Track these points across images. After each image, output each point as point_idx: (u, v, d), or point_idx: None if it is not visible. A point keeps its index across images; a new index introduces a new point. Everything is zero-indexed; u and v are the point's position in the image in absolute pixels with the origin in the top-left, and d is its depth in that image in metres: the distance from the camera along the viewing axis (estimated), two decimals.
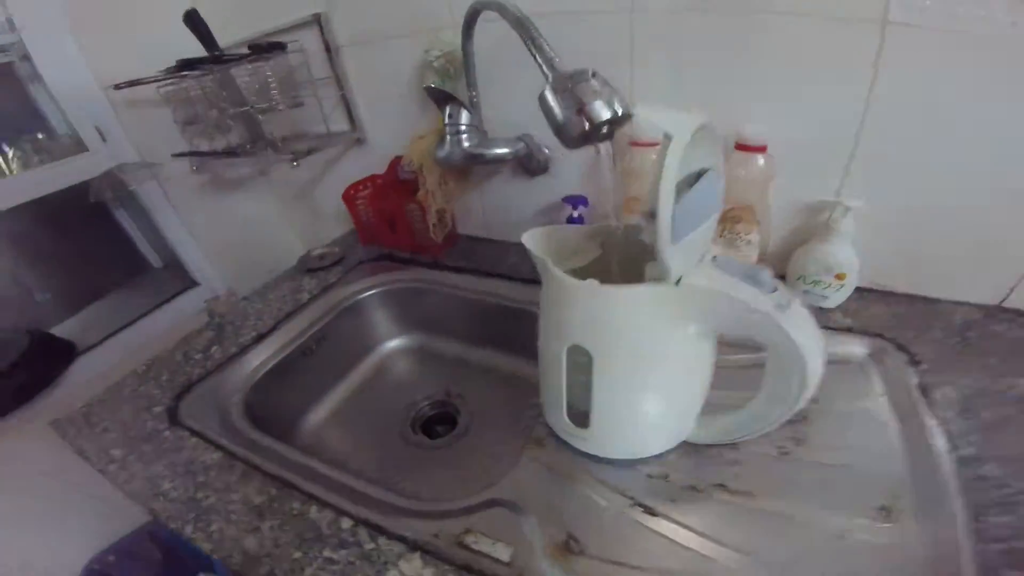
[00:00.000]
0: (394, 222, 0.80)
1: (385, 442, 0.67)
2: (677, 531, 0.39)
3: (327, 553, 0.40)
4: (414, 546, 0.40)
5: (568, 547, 0.39)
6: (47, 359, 0.82)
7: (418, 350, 0.81)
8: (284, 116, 0.85)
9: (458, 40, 0.59)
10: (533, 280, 0.70)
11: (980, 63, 0.43)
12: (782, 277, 0.59)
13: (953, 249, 0.52)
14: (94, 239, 1.00)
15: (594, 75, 0.41)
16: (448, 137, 0.63)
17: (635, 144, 0.59)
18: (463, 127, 0.63)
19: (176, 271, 1.03)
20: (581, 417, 0.44)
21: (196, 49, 0.76)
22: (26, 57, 0.78)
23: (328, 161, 0.96)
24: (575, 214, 0.67)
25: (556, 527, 0.40)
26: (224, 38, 0.79)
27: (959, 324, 0.52)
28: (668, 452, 0.45)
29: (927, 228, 0.53)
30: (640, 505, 0.41)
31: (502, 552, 0.39)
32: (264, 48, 0.75)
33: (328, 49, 0.78)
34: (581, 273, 0.38)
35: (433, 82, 0.68)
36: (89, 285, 0.99)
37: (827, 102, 0.50)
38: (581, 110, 0.40)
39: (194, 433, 0.54)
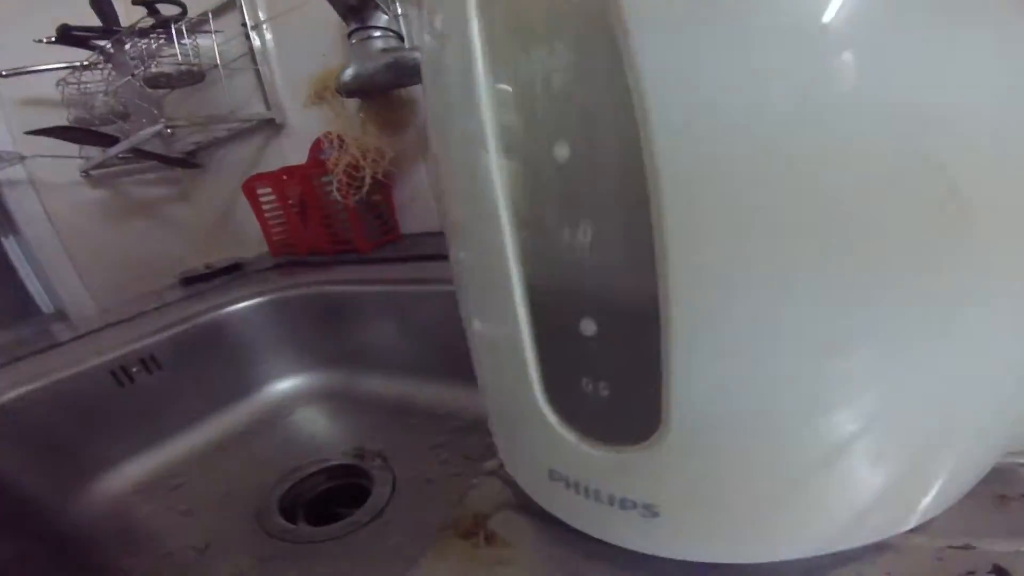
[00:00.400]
0: (305, 209, 0.59)
1: (232, 532, 0.37)
2: None
3: None
4: None
5: None
6: None
7: (325, 390, 0.54)
8: (194, 102, 0.69)
9: None
10: None
11: None
12: None
13: None
14: None
15: None
16: (356, 45, 0.45)
17: None
18: (378, 33, 0.45)
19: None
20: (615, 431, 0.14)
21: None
22: None
23: (247, 162, 0.78)
24: None
25: None
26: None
27: None
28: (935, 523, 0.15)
29: None
30: None
31: None
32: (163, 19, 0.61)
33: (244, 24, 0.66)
34: None
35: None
36: None
37: None
38: None
39: None
